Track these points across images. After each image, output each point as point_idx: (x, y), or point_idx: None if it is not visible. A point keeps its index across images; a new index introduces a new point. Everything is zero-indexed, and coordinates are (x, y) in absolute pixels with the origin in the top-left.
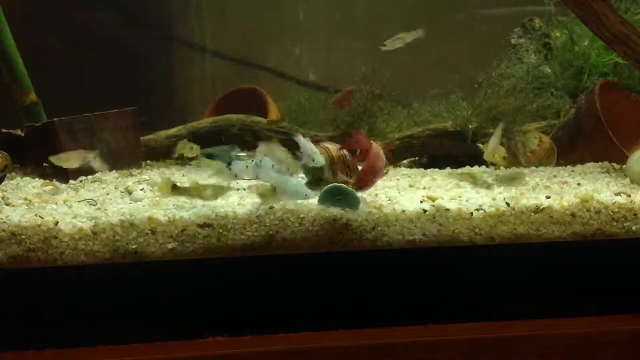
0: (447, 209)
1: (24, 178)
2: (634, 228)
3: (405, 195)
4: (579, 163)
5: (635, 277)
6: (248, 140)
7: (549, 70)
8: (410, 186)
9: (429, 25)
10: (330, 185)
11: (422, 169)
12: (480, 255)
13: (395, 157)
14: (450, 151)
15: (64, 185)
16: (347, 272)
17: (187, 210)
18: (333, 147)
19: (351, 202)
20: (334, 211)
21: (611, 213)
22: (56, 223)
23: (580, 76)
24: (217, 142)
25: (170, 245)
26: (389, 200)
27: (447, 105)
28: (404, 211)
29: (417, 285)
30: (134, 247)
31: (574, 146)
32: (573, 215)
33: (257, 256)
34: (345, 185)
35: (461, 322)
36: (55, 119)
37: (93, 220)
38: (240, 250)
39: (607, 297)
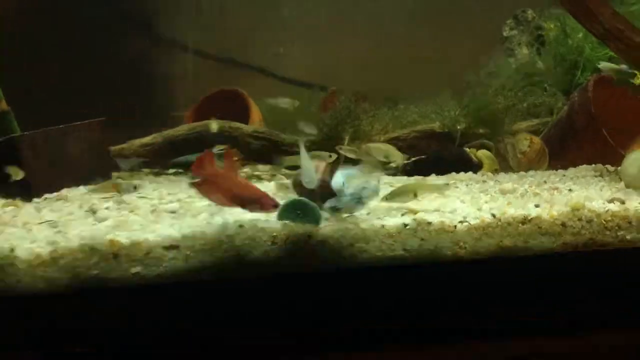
0: (429, 223)
1: None
2: (628, 237)
3: (385, 206)
4: (572, 164)
5: (630, 288)
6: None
7: (541, 65)
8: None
9: (419, 20)
10: (290, 199)
11: (406, 177)
12: (466, 270)
13: None
14: (436, 155)
15: (27, 205)
16: (324, 292)
17: None
18: None
19: (313, 217)
20: (308, 228)
21: (604, 222)
22: (12, 250)
23: (574, 71)
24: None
25: (134, 270)
26: (368, 212)
27: (435, 105)
28: (383, 226)
29: (398, 303)
30: (95, 272)
31: (566, 146)
32: (563, 225)
33: (229, 278)
34: (306, 200)
35: (447, 343)
36: (16, 134)
37: (52, 245)
38: (210, 272)
39: (601, 310)
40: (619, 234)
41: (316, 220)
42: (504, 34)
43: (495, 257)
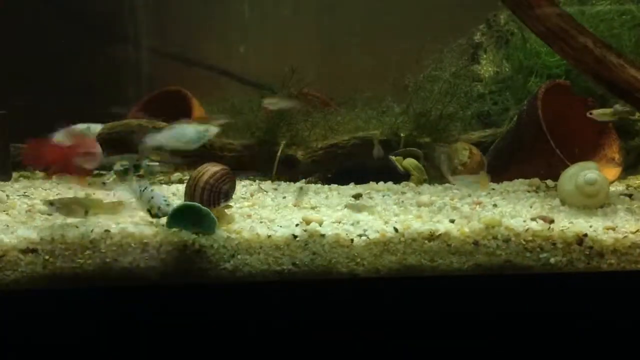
0: (322, 235)
1: None
2: (552, 260)
3: (283, 216)
4: (522, 178)
5: (550, 320)
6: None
7: (484, 72)
8: (296, 205)
9: (380, 20)
10: (181, 204)
11: (320, 184)
12: (362, 289)
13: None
14: (358, 164)
15: None
16: (200, 308)
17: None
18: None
19: (206, 224)
20: (185, 236)
21: (523, 242)
22: None
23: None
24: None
25: None
26: (261, 221)
27: (379, 110)
28: (269, 236)
29: (283, 324)
30: None
31: (515, 158)
32: (476, 243)
33: (92, 288)
34: (199, 205)
35: None
36: None
37: None
38: (71, 280)
39: (517, 344)
40: (541, 256)
41: (211, 227)
42: (475, 39)
43: (397, 276)
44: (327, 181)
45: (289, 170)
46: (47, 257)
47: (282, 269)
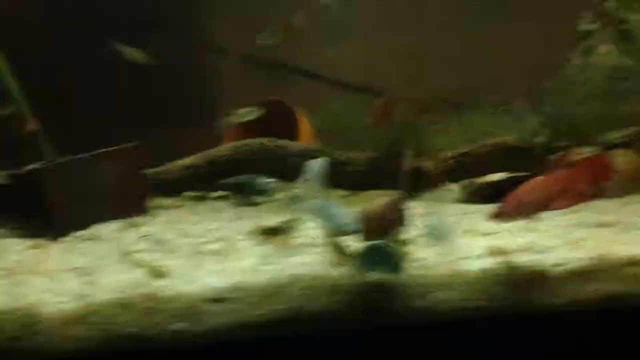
0: (517, 266)
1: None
2: None
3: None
4: None
5: None
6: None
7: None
8: (466, 231)
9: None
10: (368, 244)
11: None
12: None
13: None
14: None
15: (54, 245)
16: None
17: None
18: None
19: (394, 264)
20: (372, 277)
21: None
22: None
23: None
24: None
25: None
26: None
27: (507, 113)
28: (460, 271)
29: None
30: (133, 330)
31: None
32: None
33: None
34: (384, 243)
35: None
36: (38, 164)
37: (81, 300)
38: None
39: None
40: None
41: (399, 267)
42: (582, 28)
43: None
44: (483, 198)
45: (415, 184)
46: (234, 305)
47: (476, 305)
